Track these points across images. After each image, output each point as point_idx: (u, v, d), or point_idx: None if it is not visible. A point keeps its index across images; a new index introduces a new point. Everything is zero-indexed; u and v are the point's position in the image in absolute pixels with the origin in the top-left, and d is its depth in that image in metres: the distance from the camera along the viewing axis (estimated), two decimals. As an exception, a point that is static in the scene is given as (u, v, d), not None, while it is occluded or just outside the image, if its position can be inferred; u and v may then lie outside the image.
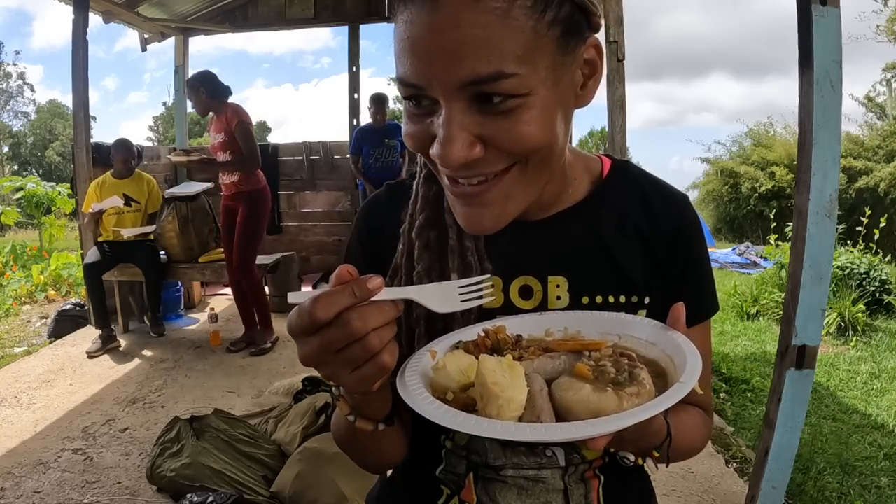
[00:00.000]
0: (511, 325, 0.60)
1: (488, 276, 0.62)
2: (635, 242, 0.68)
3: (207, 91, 3.66)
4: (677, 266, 0.68)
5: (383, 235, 0.72)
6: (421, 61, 0.50)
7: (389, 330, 0.48)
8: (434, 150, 0.53)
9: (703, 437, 0.72)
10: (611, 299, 0.67)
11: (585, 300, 0.67)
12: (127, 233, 3.99)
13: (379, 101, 5.19)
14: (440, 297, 0.53)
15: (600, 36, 0.57)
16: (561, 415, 0.47)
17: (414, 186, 0.70)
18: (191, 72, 6.10)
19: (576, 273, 0.67)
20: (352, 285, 0.47)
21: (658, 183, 0.72)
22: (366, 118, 5.62)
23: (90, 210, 3.97)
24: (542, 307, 0.67)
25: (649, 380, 0.48)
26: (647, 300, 0.68)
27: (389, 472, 0.85)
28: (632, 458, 0.62)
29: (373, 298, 0.47)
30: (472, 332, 0.58)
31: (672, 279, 0.68)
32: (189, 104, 4.03)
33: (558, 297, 0.67)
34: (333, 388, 0.60)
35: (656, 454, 0.60)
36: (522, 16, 0.49)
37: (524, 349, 0.56)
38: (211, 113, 3.77)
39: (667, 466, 0.62)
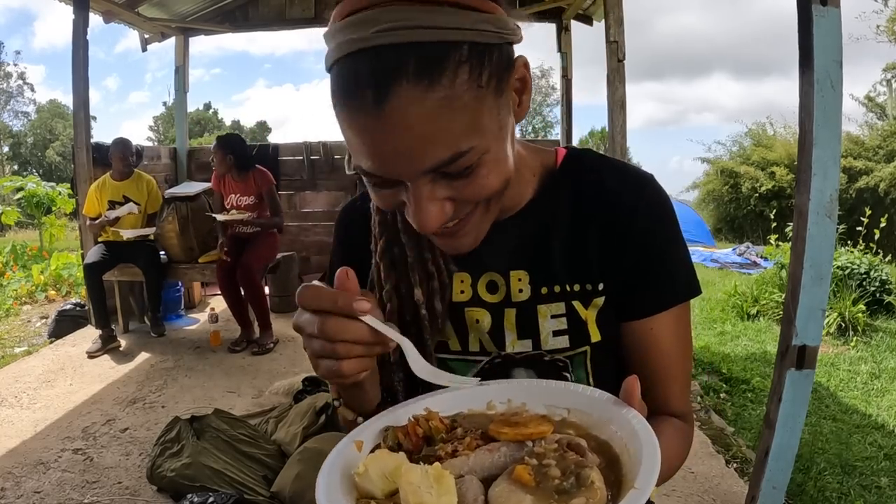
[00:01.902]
0: (451, 400, 0.56)
1: (478, 379, 0.60)
2: (591, 228, 0.68)
3: (236, 158, 3.96)
4: (637, 248, 0.67)
5: (360, 240, 0.75)
6: (379, 160, 0.51)
7: (362, 349, 0.50)
8: (410, 217, 0.55)
9: (683, 453, 0.69)
10: (568, 288, 0.68)
11: (545, 290, 0.69)
12: (127, 234, 4.00)
13: None
14: (424, 363, 0.54)
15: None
16: None
17: (371, 211, 0.72)
18: (191, 72, 6.11)
19: (535, 266, 0.69)
20: (339, 296, 0.50)
21: (618, 166, 0.71)
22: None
23: (105, 218, 3.97)
24: (507, 300, 0.70)
25: (600, 481, 0.42)
26: (601, 286, 0.69)
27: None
28: None
29: (360, 317, 0.50)
30: (403, 414, 0.55)
31: (632, 261, 0.68)
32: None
33: (520, 290, 0.69)
34: None
35: None
36: (465, 92, 0.49)
37: (459, 440, 0.50)
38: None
39: None
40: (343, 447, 0.52)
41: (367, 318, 0.50)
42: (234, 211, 4.06)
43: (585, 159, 0.72)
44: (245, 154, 4.06)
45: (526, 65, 0.57)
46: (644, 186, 0.68)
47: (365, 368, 0.52)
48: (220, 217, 4.02)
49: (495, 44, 0.52)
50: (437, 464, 0.44)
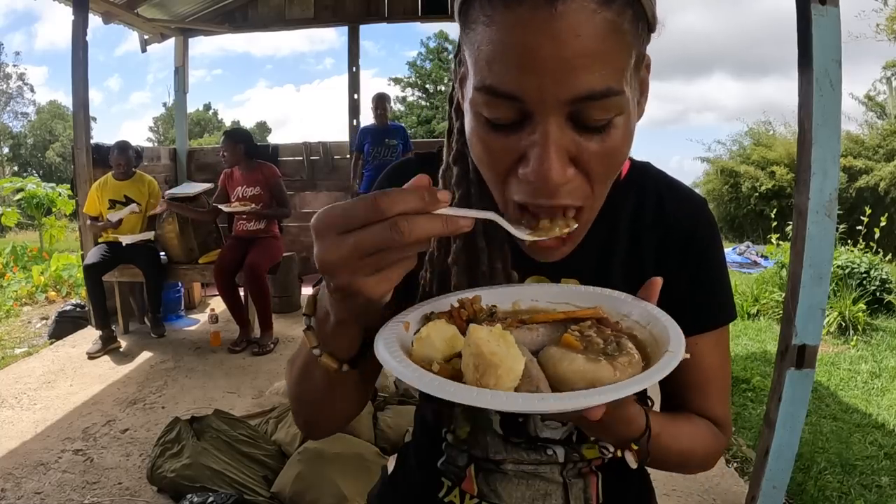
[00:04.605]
0: (483, 298, 0.57)
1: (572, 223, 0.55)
2: (648, 245, 0.68)
3: (246, 148, 4.06)
4: (690, 270, 0.67)
5: None
6: (527, 71, 0.46)
7: (427, 242, 0.45)
8: (529, 169, 0.50)
9: (707, 448, 0.69)
10: None
11: None
12: (125, 239, 4.00)
13: (381, 100, 5.22)
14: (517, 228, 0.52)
15: None
16: (555, 386, 0.46)
17: None
18: (193, 73, 6.13)
19: (587, 275, 0.67)
20: (424, 190, 0.43)
21: (676, 185, 0.71)
22: (366, 118, 5.63)
23: (107, 221, 3.98)
24: None
25: (636, 350, 0.47)
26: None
27: (391, 471, 0.86)
28: (611, 448, 0.61)
29: (440, 211, 0.44)
30: (444, 304, 0.56)
31: (684, 283, 0.67)
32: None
33: None
34: (305, 319, 0.57)
35: (635, 447, 0.58)
36: (627, 32, 0.47)
37: (501, 320, 0.53)
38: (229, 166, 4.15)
39: (645, 461, 0.59)
40: (393, 325, 0.51)
41: (448, 208, 0.45)
42: (236, 203, 4.07)
43: (648, 173, 0.71)
44: (254, 143, 4.19)
45: (649, 66, 0.55)
46: (702, 209, 0.69)
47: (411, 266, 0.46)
48: (225, 208, 4.03)
49: (647, 13, 0.49)
50: (498, 325, 0.47)
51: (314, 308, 0.56)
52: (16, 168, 29.94)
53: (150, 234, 4.15)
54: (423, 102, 27.51)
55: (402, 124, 5.86)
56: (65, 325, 4.50)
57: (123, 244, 4.00)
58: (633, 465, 0.59)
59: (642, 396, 0.69)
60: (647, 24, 0.50)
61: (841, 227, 6.48)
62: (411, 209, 0.42)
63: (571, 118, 0.48)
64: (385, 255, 0.43)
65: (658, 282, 0.54)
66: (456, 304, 0.54)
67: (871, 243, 5.92)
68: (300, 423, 0.69)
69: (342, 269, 0.44)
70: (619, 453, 0.60)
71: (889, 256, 6.09)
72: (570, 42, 0.45)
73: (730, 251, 8.47)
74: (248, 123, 41.22)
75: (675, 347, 0.45)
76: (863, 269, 4.97)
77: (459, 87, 0.59)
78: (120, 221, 3.98)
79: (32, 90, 39.69)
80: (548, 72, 0.46)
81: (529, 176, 0.50)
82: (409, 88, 28.00)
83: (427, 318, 0.53)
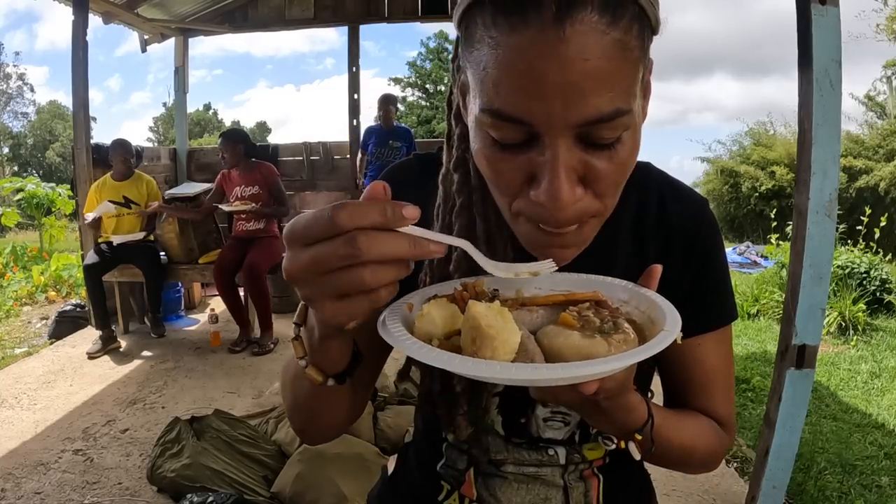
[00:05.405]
0: (486, 283, 0.57)
1: (550, 261, 0.53)
2: (652, 245, 0.68)
3: (245, 148, 4.10)
4: (693, 270, 0.67)
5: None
6: (535, 97, 0.45)
7: (395, 270, 0.41)
8: (540, 191, 0.49)
9: (709, 446, 0.69)
10: None
11: None
12: (116, 239, 4.00)
13: (385, 102, 5.23)
14: (492, 262, 0.50)
15: None
16: (551, 361, 0.46)
17: (440, 215, 0.66)
18: (193, 73, 6.13)
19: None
20: (385, 204, 0.40)
21: (677, 186, 0.70)
22: (366, 118, 5.65)
23: (86, 219, 3.98)
24: None
25: (632, 330, 0.48)
26: None
27: (391, 471, 0.86)
28: (614, 440, 0.61)
29: (407, 231, 0.40)
30: (447, 288, 0.57)
31: (686, 283, 0.67)
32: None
33: None
34: (294, 328, 0.55)
35: (639, 437, 0.58)
36: (635, 47, 0.46)
37: (503, 302, 0.53)
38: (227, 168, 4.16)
39: (649, 452, 0.59)
40: (397, 306, 0.52)
41: (412, 228, 0.41)
42: (236, 202, 4.06)
43: (650, 174, 0.70)
44: (251, 143, 4.21)
45: (651, 68, 0.54)
46: (704, 209, 0.69)
47: (394, 292, 0.43)
48: (226, 207, 4.03)
49: (651, 19, 0.49)
50: (496, 302, 0.48)
51: (304, 317, 0.53)
52: (16, 168, 29.94)
53: (141, 235, 4.13)
54: (423, 102, 27.52)
55: (408, 127, 5.86)
56: (65, 325, 4.50)
57: (115, 243, 4.00)
58: (637, 456, 0.59)
59: (643, 388, 0.69)
60: (651, 30, 0.50)
61: (841, 227, 6.48)
62: (370, 224, 0.39)
63: (580, 138, 0.48)
64: (346, 277, 0.40)
65: (658, 269, 0.55)
66: (459, 288, 0.54)
67: (871, 243, 5.93)
68: (296, 429, 0.69)
69: (303, 283, 0.42)
70: (622, 444, 0.60)
71: (889, 256, 6.09)
72: (577, 66, 0.44)
73: (730, 251, 8.47)
74: (248, 123, 41.28)
75: (671, 327, 0.46)
76: (863, 269, 4.98)
77: (460, 95, 0.58)
78: (98, 220, 3.94)
79: (32, 90, 39.73)
80: (556, 96, 0.45)
81: (540, 197, 0.49)
82: (410, 88, 28.02)
83: (431, 300, 0.54)
